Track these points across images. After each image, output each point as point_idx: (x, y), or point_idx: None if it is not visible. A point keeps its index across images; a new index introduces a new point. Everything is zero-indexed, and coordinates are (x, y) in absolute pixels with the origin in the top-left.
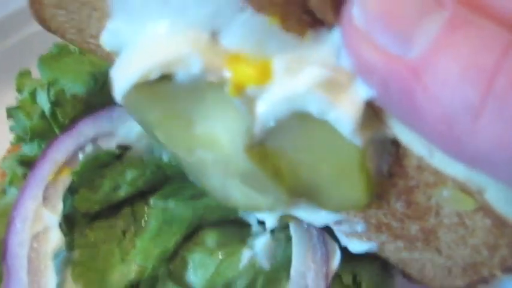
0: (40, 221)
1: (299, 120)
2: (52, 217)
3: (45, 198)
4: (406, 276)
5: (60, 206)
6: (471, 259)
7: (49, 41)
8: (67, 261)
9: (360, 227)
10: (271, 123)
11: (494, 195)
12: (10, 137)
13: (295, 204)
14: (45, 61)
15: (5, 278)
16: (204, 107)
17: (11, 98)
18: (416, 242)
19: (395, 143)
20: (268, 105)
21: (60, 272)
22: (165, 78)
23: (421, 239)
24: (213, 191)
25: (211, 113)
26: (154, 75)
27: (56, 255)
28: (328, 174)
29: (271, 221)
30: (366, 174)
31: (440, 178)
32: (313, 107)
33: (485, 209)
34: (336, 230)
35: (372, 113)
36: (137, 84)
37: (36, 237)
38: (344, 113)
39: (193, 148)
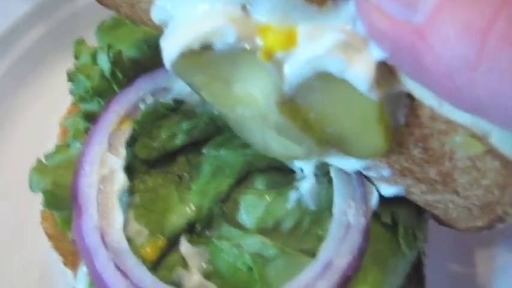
0: (106, 165)
1: (323, 79)
2: (117, 161)
3: (110, 145)
4: (436, 219)
5: (123, 152)
6: (485, 199)
7: (99, 15)
8: (129, 205)
9: (385, 172)
10: (298, 82)
11: (498, 138)
12: (68, 99)
13: (326, 152)
14: (103, 29)
15: (76, 215)
16: (241, 70)
17: (67, 65)
18: (436, 184)
19: (409, 96)
20: (294, 67)
21: (124, 213)
22: (206, 47)
23: (439, 182)
24: (254, 143)
25: (247, 75)
26: (195, 46)
27: (120, 197)
28: (351, 126)
29: (308, 168)
30: (384, 125)
31: (451, 126)
32: (333, 68)
33: (493, 152)
34: (366, 175)
35: (387, 71)
36: (182, 53)
37: (102, 179)
38: (360, 72)
39: (234, 106)
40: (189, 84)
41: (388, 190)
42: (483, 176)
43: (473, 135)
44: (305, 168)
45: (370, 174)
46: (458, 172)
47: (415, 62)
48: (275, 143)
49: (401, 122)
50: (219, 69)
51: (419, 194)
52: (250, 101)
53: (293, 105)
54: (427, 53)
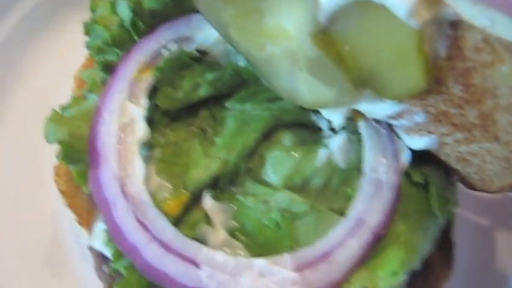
0: (126, 114)
1: (359, 6)
2: (137, 110)
3: (130, 94)
4: (465, 182)
5: (144, 101)
6: None
7: None
8: (149, 159)
9: (419, 118)
10: (334, 10)
11: None
12: (81, 53)
13: (358, 95)
14: None
15: (94, 165)
16: (273, 2)
17: (79, 19)
18: (474, 130)
19: (453, 25)
20: None
21: (145, 167)
22: None
23: (479, 126)
24: (282, 89)
25: (280, 6)
26: None
27: (141, 148)
28: (388, 59)
29: (337, 119)
30: (424, 56)
31: (497, 56)
32: None
33: None
34: (397, 127)
35: None
36: None
37: (122, 128)
38: None
39: (264, 43)
40: (217, 24)
41: (420, 142)
42: None
43: None
44: (334, 119)
45: (402, 122)
46: (501, 112)
47: None
48: (304, 86)
49: (442, 54)
50: (249, 2)
51: (453, 145)
52: (281, 36)
53: (327, 38)
54: None
